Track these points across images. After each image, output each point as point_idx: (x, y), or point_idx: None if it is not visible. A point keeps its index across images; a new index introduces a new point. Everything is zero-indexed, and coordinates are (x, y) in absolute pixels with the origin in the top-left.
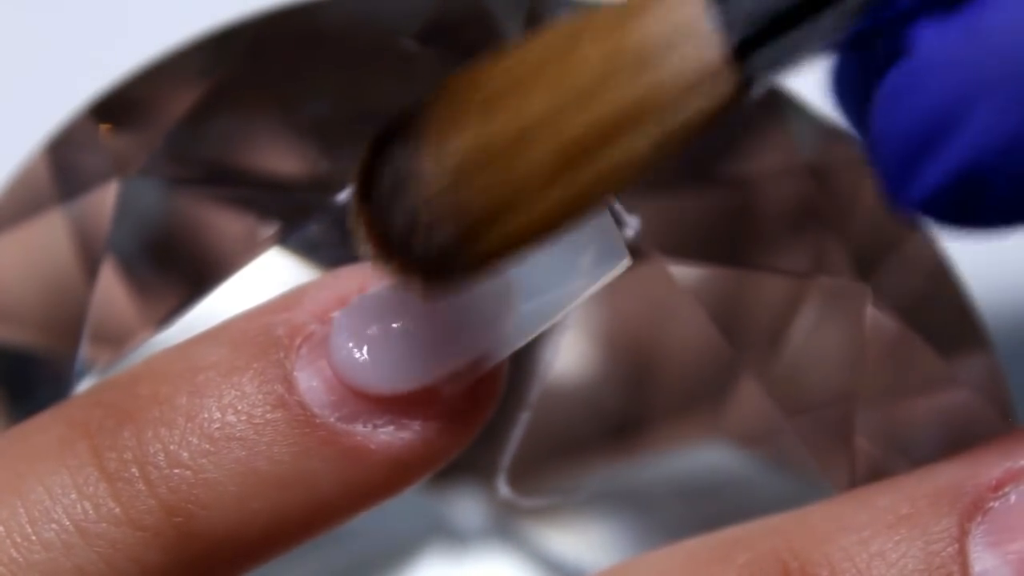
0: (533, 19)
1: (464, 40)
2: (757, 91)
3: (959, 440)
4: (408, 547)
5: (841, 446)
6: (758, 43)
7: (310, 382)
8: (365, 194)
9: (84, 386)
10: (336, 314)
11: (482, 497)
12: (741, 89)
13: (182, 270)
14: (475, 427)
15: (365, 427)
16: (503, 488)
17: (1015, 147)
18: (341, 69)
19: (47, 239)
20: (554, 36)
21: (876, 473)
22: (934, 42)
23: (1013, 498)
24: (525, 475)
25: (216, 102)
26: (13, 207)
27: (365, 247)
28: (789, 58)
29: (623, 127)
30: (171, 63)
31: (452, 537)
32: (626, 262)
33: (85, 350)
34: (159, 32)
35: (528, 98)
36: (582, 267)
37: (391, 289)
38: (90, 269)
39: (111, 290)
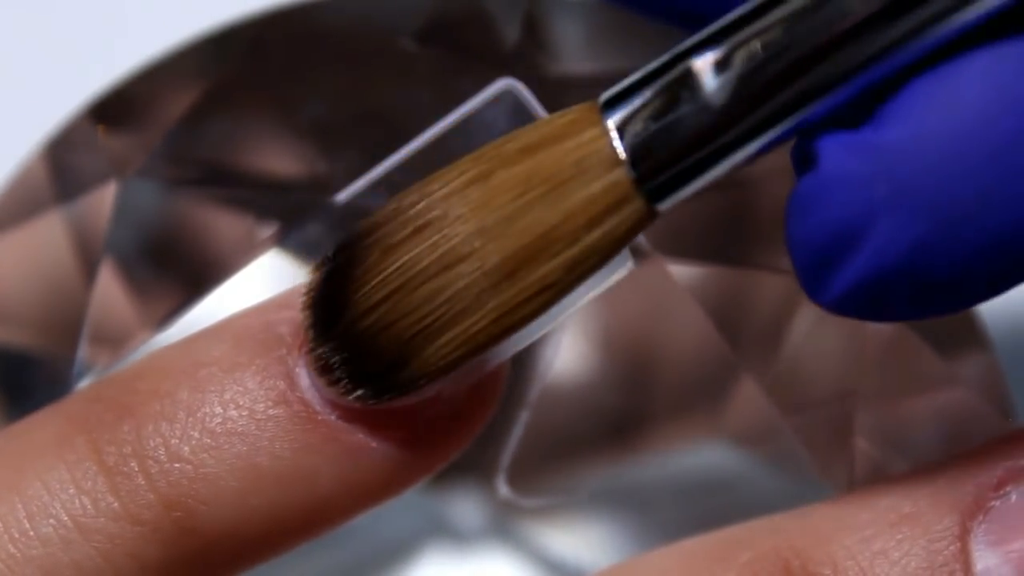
0: (530, 19)
1: (463, 40)
2: (666, 209)
3: (958, 439)
4: (408, 547)
5: (840, 445)
6: (660, 171)
7: (313, 379)
8: (310, 325)
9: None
10: None
11: (482, 497)
12: (650, 212)
13: (181, 271)
14: (476, 428)
15: (365, 426)
16: (503, 488)
17: (916, 256)
18: (340, 69)
19: (46, 240)
20: (471, 162)
21: (875, 472)
22: (836, 157)
23: (1014, 497)
24: (525, 475)
25: (214, 103)
26: (12, 208)
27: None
28: (696, 178)
29: (541, 252)
30: (169, 64)
31: (452, 537)
32: (629, 266)
33: (84, 351)
34: (157, 32)
35: (453, 224)
36: None
37: None
38: (89, 270)
39: (110, 291)
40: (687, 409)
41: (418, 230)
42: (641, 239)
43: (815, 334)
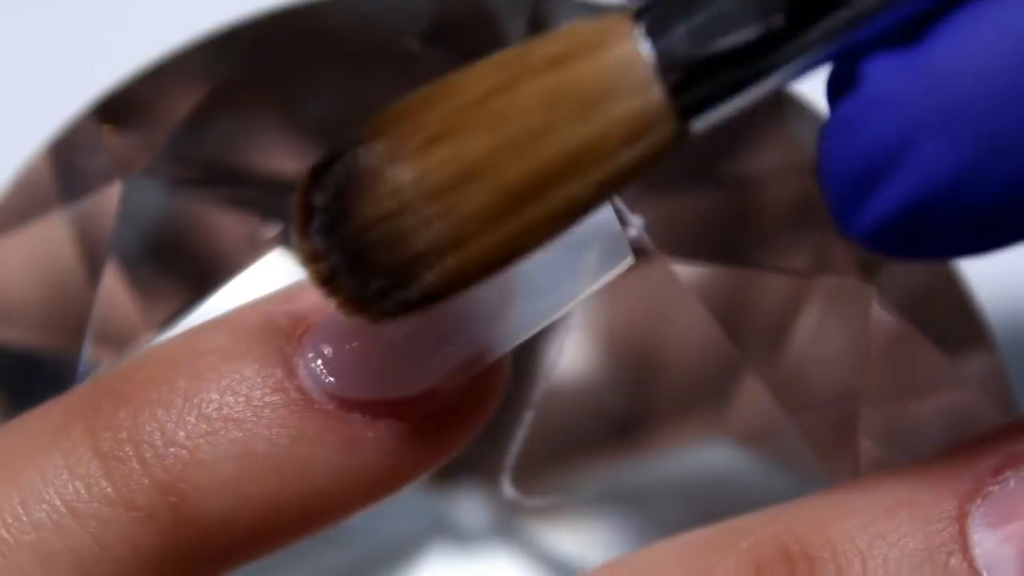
0: (536, 19)
1: (467, 40)
2: (700, 131)
3: (963, 439)
4: (411, 546)
5: (845, 445)
6: (697, 84)
7: (310, 369)
8: (303, 226)
9: None
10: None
11: (485, 496)
12: (682, 133)
13: (185, 270)
14: (477, 423)
15: (363, 416)
16: (507, 487)
17: (959, 183)
18: (344, 69)
19: (50, 239)
20: (493, 69)
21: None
22: (882, 76)
23: (1012, 482)
24: (529, 474)
25: (219, 102)
26: (16, 208)
27: (308, 278)
28: (730, 98)
29: (565, 172)
30: (174, 63)
31: (455, 536)
32: (629, 261)
33: (88, 351)
34: (162, 32)
35: (470, 137)
36: (585, 266)
37: None
38: (93, 270)
39: (114, 291)
40: (691, 409)
41: (432, 141)
42: (646, 239)
43: (820, 334)
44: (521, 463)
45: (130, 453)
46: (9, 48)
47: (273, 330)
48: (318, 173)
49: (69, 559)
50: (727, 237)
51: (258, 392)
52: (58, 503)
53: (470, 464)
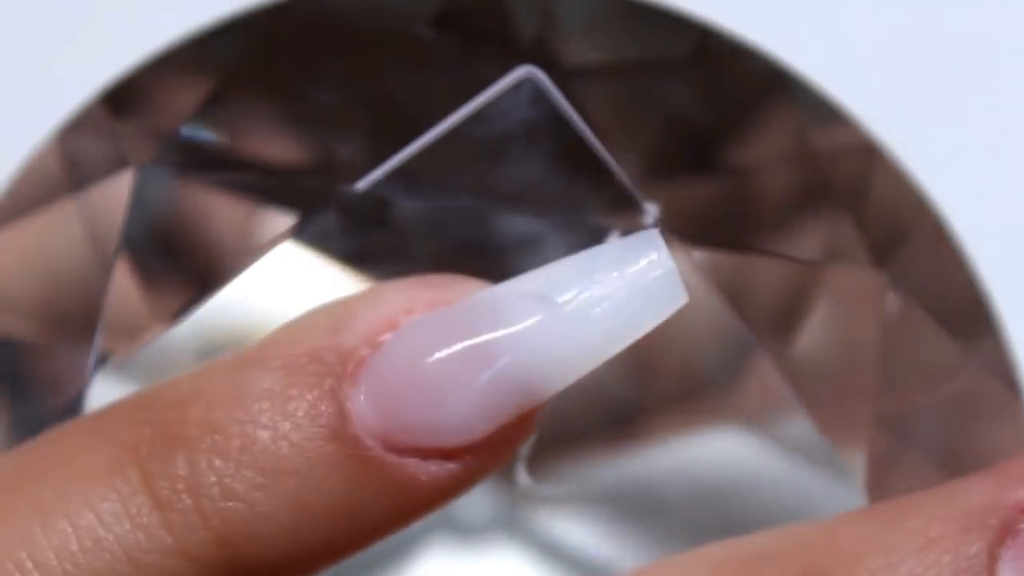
0: (548, 6)
1: (479, 27)
2: None
3: (972, 425)
4: (418, 537)
5: (854, 432)
6: None
7: (362, 413)
8: None
9: (100, 379)
10: (364, 366)
11: (491, 488)
12: None
13: (195, 261)
14: (516, 448)
15: (416, 459)
16: (522, 476)
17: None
18: (354, 56)
19: (59, 230)
20: None
21: (891, 459)
22: None
23: None
24: (543, 463)
25: (227, 91)
26: (24, 197)
27: None
28: None
29: None
30: (182, 51)
31: (463, 527)
32: (684, 300)
33: (99, 343)
34: (169, 21)
35: None
36: (643, 305)
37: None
38: (103, 260)
39: (125, 282)
40: (700, 395)
41: None
42: (661, 227)
43: (829, 321)
44: (536, 452)
45: (189, 505)
46: (15, 38)
47: (324, 370)
48: None
49: None
50: (735, 224)
51: (313, 444)
52: (119, 552)
53: None
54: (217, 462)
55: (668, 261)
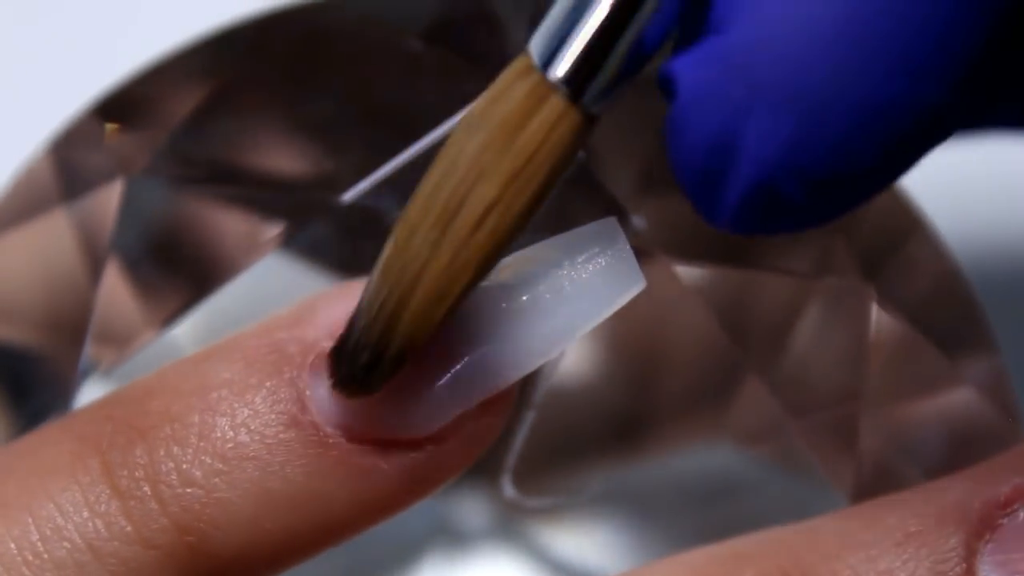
0: (538, 20)
1: (469, 41)
2: (594, 106)
3: (964, 441)
4: (411, 547)
5: (846, 447)
6: (586, 78)
7: (322, 401)
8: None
9: (89, 387)
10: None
11: (486, 497)
12: (590, 119)
13: (186, 270)
14: (488, 440)
15: (377, 447)
16: (508, 488)
17: (791, 152)
18: (346, 68)
19: (51, 238)
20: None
21: (881, 474)
22: (688, 74)
23: (1021, 515)
24: (530, 475)
25: (221, 101)
26: (17, 206)
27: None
28: (617, 76)
29: (502, 196)
30: (175, 62)
31: (456, 537)
32: (641, 285)
33: (89, 350)
34: (163, 31)
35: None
36: (595, 290)
37: None
38: (94, 269)
39: (115, 290)
40: (692, 410)
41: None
42: (646, 240)
43: (821, 335)
44: (522, 464)
45: (148, 492)
46: (10, 47)
47: (284, 359)
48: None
49: None
50: (728, 238)
51: (272, 429)
52: (79, 541)
53: (471, 465)
54: (175, 449)
55: (626, 248)
